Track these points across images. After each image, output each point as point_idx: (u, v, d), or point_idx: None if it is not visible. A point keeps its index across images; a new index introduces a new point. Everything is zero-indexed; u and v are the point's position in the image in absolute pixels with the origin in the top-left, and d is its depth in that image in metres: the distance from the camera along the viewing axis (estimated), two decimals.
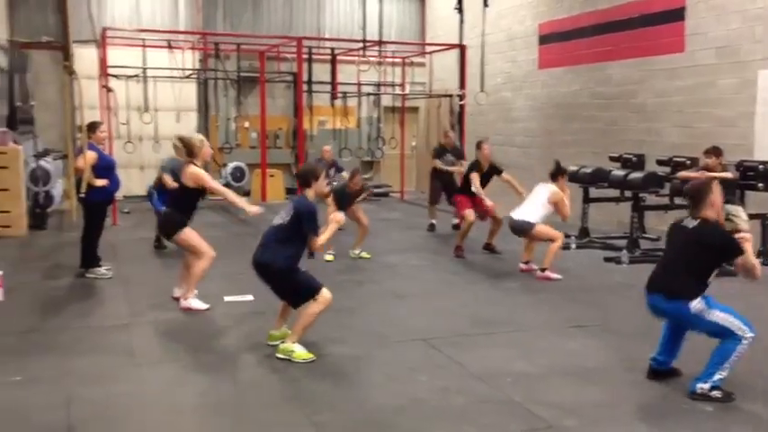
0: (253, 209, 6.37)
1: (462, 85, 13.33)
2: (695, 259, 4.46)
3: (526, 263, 8.20)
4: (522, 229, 7.98)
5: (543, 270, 7.86)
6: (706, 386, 4.35)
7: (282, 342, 5.17)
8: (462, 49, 13.20)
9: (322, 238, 5.33)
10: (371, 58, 13.47)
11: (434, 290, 7.47)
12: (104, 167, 7.66)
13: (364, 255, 8.93)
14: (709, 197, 4.53)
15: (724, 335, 4.35)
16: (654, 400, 4.50)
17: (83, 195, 7.58)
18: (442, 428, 4.04)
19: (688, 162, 9.12)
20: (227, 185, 13.99)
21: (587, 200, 10.17)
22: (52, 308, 6.53)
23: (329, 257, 8.71)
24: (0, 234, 9.84)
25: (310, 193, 5.35)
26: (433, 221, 11.34)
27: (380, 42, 13.01)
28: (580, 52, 12.14)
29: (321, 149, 11.94)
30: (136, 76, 12.65)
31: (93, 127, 7.77)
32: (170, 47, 13.06)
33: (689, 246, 4.50)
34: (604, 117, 11.68)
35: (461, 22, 12.43)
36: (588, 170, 9.89)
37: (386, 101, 15.92)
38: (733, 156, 8.66)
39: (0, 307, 6.42)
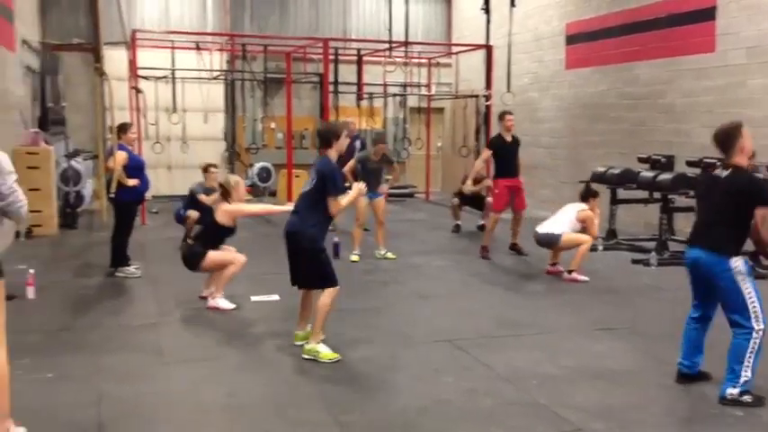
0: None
1: (488, 85, 13.26)
2: (730, 209, 4.32)
3: (553, 264, 8.14)
4: (549, 242, 7.93)
5: (570, 272, 7.81)
6: (735, 391, 4.29)
7: (307, 343, 5.20)
8: (489, 49, 13.14)
9: (343, 201, 5.23)
10: (397, 59, 13.46)
11: (459, 291, 7.46)
12: (134, 168, 7.77)
13: (389, 255, 8.94)
14: (739, 141, 4.35)
15: (737, 313, 4.27)
16: (682, 404, 4.46)
17: (112, 195, 7.70)
18: (468, 430, 4.04)
19: (718, 163, 8.96)
20: (252, 186, 14.18)
21: (615, 201, 10.07)
22: (83, 306, 6.63)
23: (355, 258, 8.74)
24: (32, 233, 10.01)
25: (332, 153, 5.26)
26: (458, 222, 11.32)
27: (406, 43, 13.00)
28: (608, 52, 12.04)
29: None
30: (164, 77, 12.80)
31: (123, 128, 7.89)
32: (198, 48, 13.20)
33: (722, 197, 4.36)
34: (632, 118, 11.57)
35: (488, 22, 12.38)
36: (616, 171, 9.80)
37: (411, 101, 15.91)
38: (764, 157, 8.52)
39: (32, 305, 6.54)
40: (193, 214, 9.16)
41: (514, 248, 9.28)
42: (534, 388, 4.61)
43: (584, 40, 12.62)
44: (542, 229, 7.98)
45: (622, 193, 10.03)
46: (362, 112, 14.29)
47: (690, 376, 4.65)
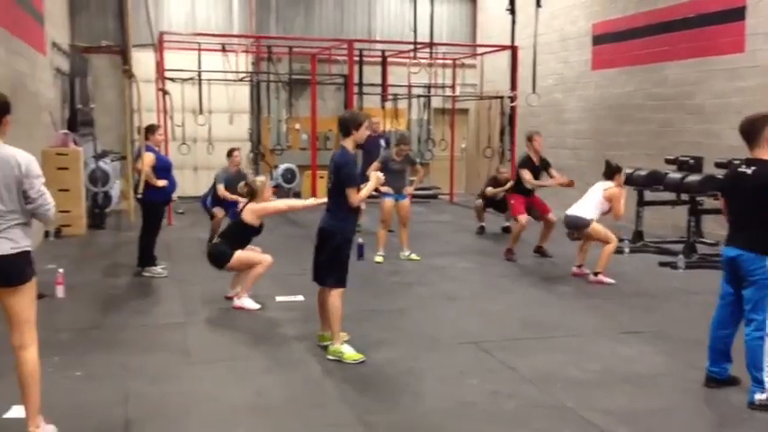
0: (317, 200, 6.15)
1: (513, 86, 13.21)
2: (762, 206, 4.22)
3: (579, 266, 8.08)
4: (577, 225, 7.86)
5: (596, 274, 7.74)
6: (764, 396, 4.22)
7: (331, 344, 5.22)
8: (514, 50, 13.08)
9: (363, 192, 5.18)
10: (422, 60, 13.44)
11: (484, 292, 7.43)
12: (161, 169, 7.86)
13: (414, 257, 8.93)
14: (765, 132, 4.23)
15: (757, 311, 4.20)
16: (710, 408, 4.40)
17: (140, 196, 7.79)
18: None
19: (741, 161, 8.85)
20: (277, 187, 14.26)
21: (642, 203, 9.97)
22: (111, 305, 6.72)
23: (379, 259, 8.75)
24: (61, 233, 10.16)
25: (349, 144, 5.17)
26: (483, 224, 11.28)
27: (431, 44, 12.97)
28: (635, 53, 11.92)
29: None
30: (191, 78, 12.92)
31: (151, 129, 7.98)
32: (224, 50, 13.30)
33: (751, 194, 4.26)
34: (659, 119, 11.44)
35: (513, 22, 12.31)
36: (643, 173, 9.70)
37: (436, 103, 15.88)
38: None
39: (61, 304, 6.64)
40: (219, 213, 9.26)
41: (539, 251, 9.22)
42: (559, 391, 4.58)
43: (611, 41, 12.50)
44: (572, 211, 7.91)
45: (649, 195, 9.92)
46: (387, 114, 14.29)
47: (718, 380, 4.59)
